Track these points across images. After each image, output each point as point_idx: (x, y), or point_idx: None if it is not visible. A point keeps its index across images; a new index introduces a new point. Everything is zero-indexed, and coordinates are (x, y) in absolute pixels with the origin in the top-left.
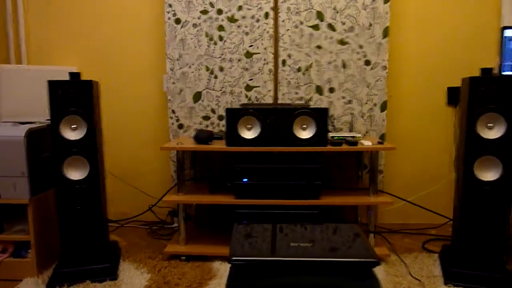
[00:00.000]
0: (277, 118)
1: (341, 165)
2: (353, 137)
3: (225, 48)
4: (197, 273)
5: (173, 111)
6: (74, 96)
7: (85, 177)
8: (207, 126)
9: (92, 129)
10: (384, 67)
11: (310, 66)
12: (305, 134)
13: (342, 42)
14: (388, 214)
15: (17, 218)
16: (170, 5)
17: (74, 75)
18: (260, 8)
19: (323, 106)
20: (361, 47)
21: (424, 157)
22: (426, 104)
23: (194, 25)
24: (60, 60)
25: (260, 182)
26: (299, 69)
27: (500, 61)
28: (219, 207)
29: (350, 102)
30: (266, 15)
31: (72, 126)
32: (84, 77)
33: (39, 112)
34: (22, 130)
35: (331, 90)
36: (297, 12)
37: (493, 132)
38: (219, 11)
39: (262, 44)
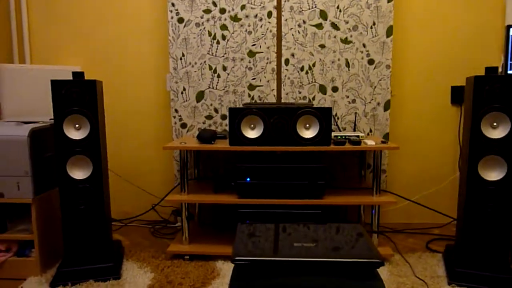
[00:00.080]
0: (280, 118)
1: (345, 165)
2: (356, 136)
3: (228, 47)
4: (200, 272)
5: (176, 111)
6: (77, 96)
7: (88, 177)
8: (210, 125)
9: (95, 128)
10: (388, 66)
11: (314, 65)
12: (309, 133)
13: (345, 41)
14: (392, 214)
15: (20, 217)
16: (173, 4)
17: (78, 75)
18: (263, 7)
19: (326, 105)
20: (364, 46)
21: (428, 156)
22: (429, 103)
23: (197, 24)
24: (64, 60)
25: (263, 182)
26: (302, 68)
27: (505, 60)
28: (222, 206)
29: (353, 101)
30: (269, 14)
31: (76, 126)
32: (87, 76)
33: (43, 112)
34: (25, 130)
35: (335, 89)
36: (300, 11)
37: (497, 132)
38: (222, 10)
39: (265, 43)
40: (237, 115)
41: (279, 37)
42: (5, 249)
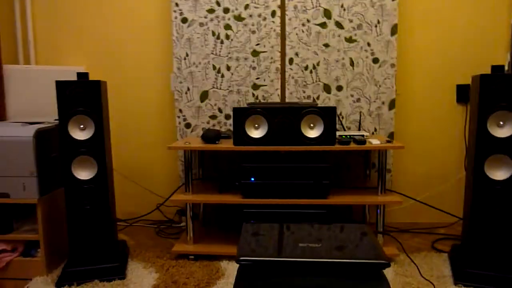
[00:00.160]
0: (284, 117)
1: (349, 164)
2: (361, 135)
3: (232, 47)
4: (205, 272)
5: (180, 111)
6: (82, 96)
7: (93, 177)
8: (214, 125)
9: (100, 129)
10: (393, 65)
11: (318, 64)
12: (313, 133)
13: (350, 40)
14: (397, 213)
15: (26, 217)
16: (176, 4)
17: (82, 75)
18: (267, 6)
19: (331, 104)
20: (369, 44)
21: (433, 155)
22: (435, 102)
23: (201, 24)
24: (68, 60)
25: (267, 182)
26: (306, 68)
27: (511, 58)
28: (226, 206)
29: (358, 100)
30: (273, 13)
31: (80, 126)
32: (91, 76)
33: (48, 112)
34: (30, 130)
35: (339, 88)
36: (304, 10)
37: (504, 131)
38: (226, 10)
39: (269, 42)
40: (241, 115)
41: (283, 36)
42: (11, 249)
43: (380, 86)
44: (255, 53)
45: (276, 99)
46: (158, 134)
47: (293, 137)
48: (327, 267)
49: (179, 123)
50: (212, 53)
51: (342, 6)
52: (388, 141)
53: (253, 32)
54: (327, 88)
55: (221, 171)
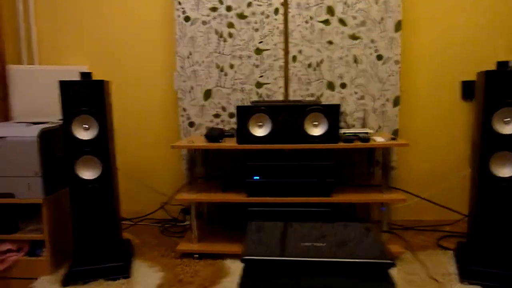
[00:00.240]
0: (288, 115)
1: (353, 162)
2: (365, 133)
3: (235, 45)
4: (210, 271)
5: (184, 109)
6: (85, 96)
7: (97, 177)
8: (217, 124)
9: (104, 128)
10: (397, 62)
11: (321, 61)
12: (317, 131)
13: (353, 37)
14: (402, 211)
15: (31, 217)
16: (179, 3)
17: (85, 75)
18: (269, 4)
19: (334, 102)
20: (373, 41)
21: (438, 152)
22: (439, 98)
23: (204, 23)
24: (71, 60)
25: (271, 180)
26: (310, 65)
27: None
28: (230, 205)
29: (362, 97)
30: (276, 11)
31: (84, 126)
32: (95, 76)
33: (52, 112)
34: (35, 130)
35: (343, 85)
36: (307, 7)
37: (509, 127)
38: (229, 8)
39: (272, 40)
40: (244, 113)
41: (286, 34)
42: (16, 249)
43: (384, 83)
44: (258, 51)
45: (280, 97)
46: (161, 133)
47: (297, 135)
48: (332, 267)
49: (183, 122)
50: (215, 52)
51: (345, 3)
52: (392, 139)
53: (256, 30)
54: (331, 86)
55: (225, 169)
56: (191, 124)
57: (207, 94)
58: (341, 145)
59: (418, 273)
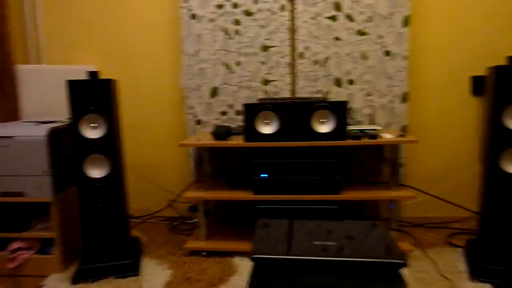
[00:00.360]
0: (295, 113)
1: (362, 159)
2: (373, 130)
3: (241, 42)
4: (218, 269)
5: (191, 107)
6: (93, 95)
7: (105, 175)
8: (224, 121)
9: (111, 127)
10: (405, 58)
11: (329, 58)
12: (324, 128)
13: (361, 33)
14: (411, 208)
15: (40, 216)
16: (185, 1)
17: (93, 74)
18: (276, 0)
19: (342, 99)
20: (380, 37)
21: (448, 149)
22: (449, 94)
23: (210, 20)
24: (79, 59)
25: (279, 178)
26: (317, 62)
27: None
28: (238, 202)
29: (370, 94)
30: (282, 7)
31: (92, 125)
32: (102, 75)
33: (60, 111)
34: (43, 130)
35: (351, 82)
36: (314, 3)
37: None
38: (235, 5)
39: (279, 37)
40: (251, 111)
41: (292, 30)
42: (27, 247)
43: (392, 79)
44: (265, 48)
45: (287, 94)
46: (169, 131)
47: (304, 132)
48: (343, 267)
49: (190, 119)
50: (222, 49)
51: None
52: (401, 135)
53: (263, 26)
54: (338, 82)
55: (232, 167)
56: (198, 122)
57: (214, 92)
58: (349, 142)
59: (427, 270)
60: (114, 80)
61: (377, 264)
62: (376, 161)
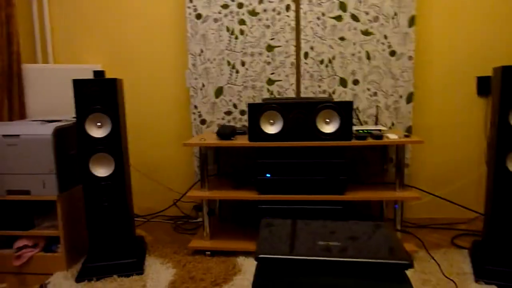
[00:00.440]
0: (300, 113)
1: (366, 159)
2: (378, 130)
3: (246, 42)
4: (222, 268)
5: (196, 107)
6: (98, 94)
7: (110, 174)
8: (229, 121)
9: (116, 126)
10: (410, 58)
11: (334, 58)
12: (329, 128)
13: (366, 33)
14: (416, 209)
15: (45, 214)
16: (191, 1)
17: (98, 74)
18: (281, 0)
19: (347, 99)
20: (386, 37)
21: (453, 149)
22: (454, 94)
23: (215, 20)
24: (85, 59)
25: (283, 178)
26: (322, 62)
27: None
28: (242, 202)
29: (375, 94)
30: (288, 7)
31: (97, 124)
32: (108, 74)
33: (66, 110)
34: (49, 128)
35: (355, 82)
36: (319, 3)
37: None
38: (240, 5)
39: (284, 37)
40: (256, 111)
41: (297, 30)
42: (32, 245)
43: (397, 79)
44: (269, 48)
45: (291, 94)
46: (173, 130)
47: (309, 132)
48: (348, 267)
49: (195, 119)
50: (227, 49)
51: None
52: (406, 136)
53: (268, 26)
54: (343, 82)
55: (237, 167)
56: (203, 122)
57: (219, 92)
58: (354, 142)
59: (433, 272)
60: (120, 80)
61: (382, 265)
62: (381, 162)
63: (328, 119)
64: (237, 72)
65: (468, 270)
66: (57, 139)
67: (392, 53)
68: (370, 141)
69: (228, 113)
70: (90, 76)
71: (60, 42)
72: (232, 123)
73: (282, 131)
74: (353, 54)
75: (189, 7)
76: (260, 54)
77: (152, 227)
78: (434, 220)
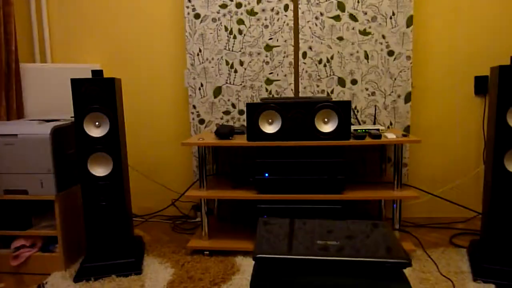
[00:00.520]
0: (298, 112)
1: (365, 159)
2: (376, 130)
3: (244, 42)
4: (220, 268)
5: (194, 106)
6: (96, 94)
7: (109, 173)
8: (227, 121)
9: (115, 126)
10: (408, 57)
11: (332, 57)
12: (327, 127)
13: (364, 33)
14: (414, 208)
15: (43, 214)
16: (189, 0)
17: (97, 73)
18: (279, 0)
19: (345, 98)
20: (384, 37)
21: (451, 149)
22: (452, 94)
23: (214, 20)
24: (83, 58)
25: (282, 177)
26: (320, 61)
27: None
28: (241, 201)
29: (373, 94)
30: (286, 7)
31: (96, 123)
32: (106, 74)
33: (64, 110)
34: (47, 128)
35: (354, 82)
36: (317, 3)
37: None
38: (238, 5)
39: (282, 36)
40: (254, 110)
41: (296, 30)
42: (30, 245)
43: (395, 79)
44: (268, 48)
45: (290, 93)
46: (172, 130)
47: (307, 132)
48: (346, 266)
49: (193, 119)
50: (225, 49)
51: None
52: (404, 135)
53: (266, 26)
54: (341, 82)
55: (235, 166)
56: (201, 121)
57: (217, 91)
58: (352, 142)
59: (431, 271)
60: (118, 79)
61: (380, 263)
62: (379, 161)
63: (326, 118)
64: (236, 71)
65: (466, 269)
66: (55, 138)
67: (390, 53)
68: (368, 140)
69: (227, 112)
70: (88, 75)
71: (58, 41)
72: (230, 123)
73: (280, 130)
74: (351, 54)
75: (187, 7)
76: (259, 53)
77: (150, 227)
78: (432, 219)
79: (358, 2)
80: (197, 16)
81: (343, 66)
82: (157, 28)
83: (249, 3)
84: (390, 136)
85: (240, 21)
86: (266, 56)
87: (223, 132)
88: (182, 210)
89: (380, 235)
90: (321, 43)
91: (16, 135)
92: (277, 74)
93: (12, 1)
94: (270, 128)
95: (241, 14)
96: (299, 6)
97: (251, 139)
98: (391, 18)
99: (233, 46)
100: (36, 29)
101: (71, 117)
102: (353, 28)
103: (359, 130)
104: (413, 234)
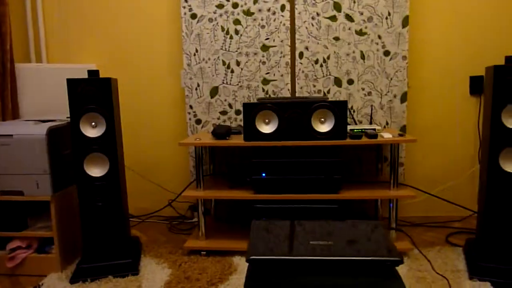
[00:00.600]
0: (295, 112)
1: (361, 158)
2: (373, 129)
3: (241, 42)
4: (217, 268)
5: (191, 107)
6: (93, 94)
7: (105, 174)
8: (224, 121)
9: (111, 126)
10: (404, 57)
11: (328, 58)
12: (324, 127)
13: (360, 33)
14: (410, 207)
15: (39, 215)
16: (186, 0)
17: (93, 73)
18: (276, 0)
19: (342, 98)
20: (380, 37)
21: (447, 148)
22: (448, 94)
23: (210, 20)
24: (79, 58)
25: (278, 177)
26: (316, 61)
27: None
28: (238, 201)
29: (369, 93)
30: (282, 7)
31: (92, 124)
32: (102, 74)
33: (60, 110)
34: (43, 128)
35: (350, 82)
36: (313, 4)
37: None
38: (235, 5)
39: (279, 37)
40: (251, 110)
41: (292, 30)
42: (25, 246)
43: (391, 79)
44: (264, 48)
45: (286, 93)
46: (169, 130)
47: (304, 132)
48: (339, 266)
49: (190, 119)
50: (222, 49)
51: None
52: (400, 135)
53: (263, 26)
54: (338, 82)
55: (232, 166)
56: (198, 121)
57: (214, 91)
58: (349, 141)
59: (428, 270)
60: (114, 79)
61: (372, 262)
62: (375, 161)
63: (323, 118)
64: (232, 72)
65: (462, 267)
66: (51, 139)
67: (386, 53)
68: (364, 140)
69: (224, 112)
70: (83, 75)
71: (54, 41)
72: (227, 123)
73: (277, 130)
74: (347, 54)
75: (184, 7)
76: (255, 54)
77: (147, 227)
78: (428, 219)
79: (354, 2)
80: (193, 16)
81: (339, 66)
82: (153, 28)
83: (245, 3)
84: (387, 135)
85: (237, 21)
86: (263, 56)
87: (220, 132)
88: (179, 211)
89: (373, 234)
90: (318, 43)
91: (12, 135)
92: (274, 74)
93: (7, 1)
94: (266, 128)
95: (238, 14)
96: (296, 6)
97: (248, 139)
98: (387, 18)
99: (229, 46)
100: (32, 29)
101: (67, 117)
102: (349, 28)
103: (355, 130)
104: (408, 233)
